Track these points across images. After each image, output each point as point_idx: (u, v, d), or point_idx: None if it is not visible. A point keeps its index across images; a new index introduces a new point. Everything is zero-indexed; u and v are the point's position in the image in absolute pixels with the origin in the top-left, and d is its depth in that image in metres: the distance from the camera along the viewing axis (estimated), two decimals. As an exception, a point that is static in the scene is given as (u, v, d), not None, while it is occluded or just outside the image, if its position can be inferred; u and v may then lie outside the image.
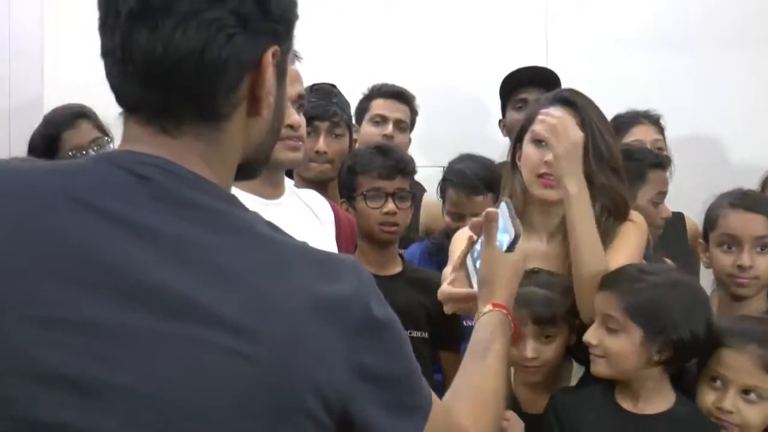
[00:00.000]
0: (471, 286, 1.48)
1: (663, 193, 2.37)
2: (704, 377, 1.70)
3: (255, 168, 0.99)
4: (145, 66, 0.85)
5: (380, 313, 0.89)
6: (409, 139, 2.91)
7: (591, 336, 1.69)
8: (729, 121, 3.22)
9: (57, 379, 0.78)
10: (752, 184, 2.32)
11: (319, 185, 2.40)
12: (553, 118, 1.80)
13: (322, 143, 2.50)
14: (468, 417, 1.09)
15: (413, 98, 2.91)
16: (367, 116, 2.87)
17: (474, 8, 3.42)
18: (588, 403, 1.72)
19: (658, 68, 3.28)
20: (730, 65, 3.28)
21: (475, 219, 1.50)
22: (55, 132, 2.42)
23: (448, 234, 2.42)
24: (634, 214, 1.92)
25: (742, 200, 2.01)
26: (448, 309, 1.66)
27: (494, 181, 2.44)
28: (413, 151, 2.81)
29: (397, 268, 2.36)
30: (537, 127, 1.84)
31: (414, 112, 2.91)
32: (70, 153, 2.35)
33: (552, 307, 1.78)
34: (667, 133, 2.71)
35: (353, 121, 2.85)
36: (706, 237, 2.06)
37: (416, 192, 2.56)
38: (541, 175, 1.85)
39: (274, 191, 1.76)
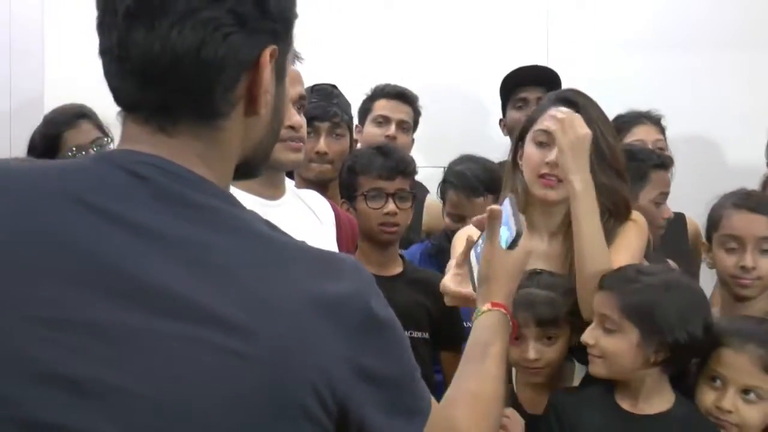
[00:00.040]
0: (474, 283, 1.48)
1: (665, 194, 2.36)
2: (704, 377, 1.71)
3: (254, 167, 0.99)
4: (142, 65, 0.85)
5: (381, 312, 0.89)
6: (412, 140, 2.91)
7: (588, 336, 1.69)
8: (729, 121, 3.23)
9: (57, 380, 0.78)
10: (752, 184, 2.32)
11: (320, 186, 2.40)
12: (561, 113, 1.80)
13: (322, 144, 2.50)
14: (467, 423, 1.09)
15: (416, 99, 2.90)
16: (370, 117, 2.87)
17: (475, 9, 3.42)
18: (588, 404, 1.72)
19: (658, 68, 3.28)
20: (730, 65, 3.28)
21: (478, 216, 1.50)
22: (56, 132, 2.42)
23: (448, 235, 2.43)
24: (635, 214, 1.92)
25: (745, 201, 2.00)
26: (448, 301, 1.68)
27: (494, 182, 2.43)
28: (413, 151, 2.81)
29: (398, 269, 2.36)
30: (546, 123, 1.84)
31: (417, 113, 2.91)
32: (70, 153, 2.36)
33: (554, 308, 1.78)
34: (667, 133, 2.71)
35: (356, 122, 2.85)
36: (709, 237, 2.06)
37: (418, 193, 2.56)
38: (542, 176, 1.85)
39: (274, 192, 1.76)
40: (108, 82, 0.89)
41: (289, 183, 1.86)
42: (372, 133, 2.82)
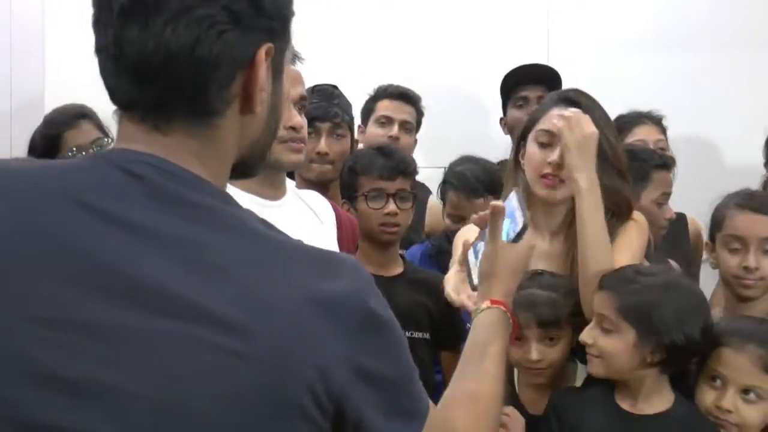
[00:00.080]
0: (471, 283, 1.47)
1: (667, 194, 2.37)
2: (704, 376, 1.71)
3: (251, 166, 0.99)
4: (136, 63, 0.85)
5: (380, 311, 0.88)
6: (415, 140, 2.90)
7: (587, 335, 1.70)
8: (729, 121, 3.22)
9: (56, 381, 0.78)
10: (752, 184, 2.31)
11: (321, 186, 2.40)
12: (568, 112, 1.80)
13: (323, 144, 2.50)
14: (466, 423, 1.09)
15: (419, 99, 2.90)
16: (373, 117, 2.86)
17: (475, 9, 3.42)
18: (588, 404, 1.72)
19: (658, 68, 3.28)
20: (730, 65, 3.28)
21: (480, 213, 1.48)
22: (56, 132, 2.42)
23: (448, 236, 2.43)
24: (635, 214, 1.92)
25: (748, 201, 2.00)
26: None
27: (494, 183, 2.43)
28: (414, 152, 2.81)
29: (399, 269, 2.36)
30: (552, 121, 1.83)
31: (420, 113, 2.90)
32: (70, 153, 2.35)
33: (556, 309, 1.78)
34: (667, 133, 2.71)
35: (359, 122, 2.85)
36: (712, 237, 2.06)
37: (420, 194, 2.56)
38: (544, 176, 1.85)
39: (275, 192, 1.76)
40: (104, 80, 0.89)
41: (289, 183, 1.86)
42: (375, 133, 2.82)
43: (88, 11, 0.90)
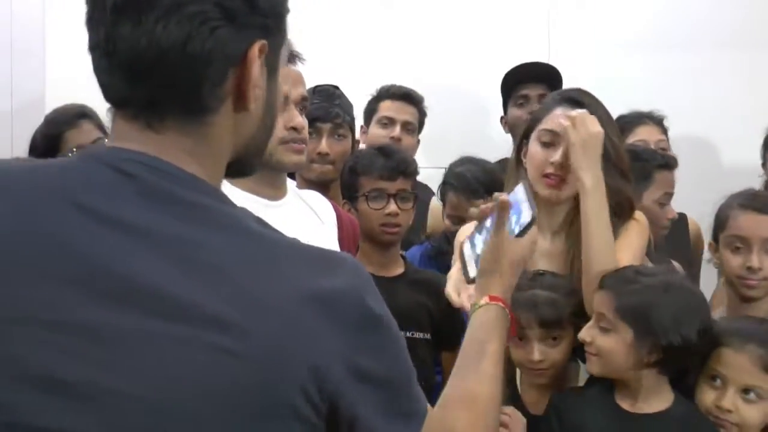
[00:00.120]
0: (467, 276, 1.44)
1: (669, 194, 2.36)
2: (704, 376, 1.71)
3: (247, 164, 0.98)
4: (129, 60, 0.85)
5: (377, 309, 0.88)
6: (418, 141, 2.90)
7: (585, 333, 1.70)
8: (729, 121, 3.22)
9: (53, 384, 0.78)
10: (752, 184, 2.31)
11: (321, 186, 2.39)
12: (575, 112, 1.80)
13: (324, 145, 2.50)
14: (465, 424, 1.08)
15: (421, 100, 2.89)
16: (375, 118, 2.85)
17: (476, 9, 3.42)
18: (588, 403, 1.73)
19: (659, 68, 3.29)
20: (730, 65, 3.28)
21: (483, 206, 1.46)
22: (57, 132, 2.42)
23: (448, 237, 2.43)
24: (636, 213, 1.92)
25: (752, 201, 2.00)
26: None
27: (494, 184, 2.43)
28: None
29: (399, 270, 2.36)
30: (557, 120, 1.83)
31: (423, 114, 2.89)
32: (71, 153, 2.35)
33: (557, 309, 1.78)
34: (668, 133, 2.71)
35: (362, 123, 2.84)
36: (716, 237, 2.06)
37: (422, 195, 2.56)
38: (546, 175, 1.85)
39: (276, 192, 1.76)
40: (97, 77, 0.89)
41: (290, 183, 1.86)
42: (377, 134, 2.81)
43: (88, 11, 0.90)
